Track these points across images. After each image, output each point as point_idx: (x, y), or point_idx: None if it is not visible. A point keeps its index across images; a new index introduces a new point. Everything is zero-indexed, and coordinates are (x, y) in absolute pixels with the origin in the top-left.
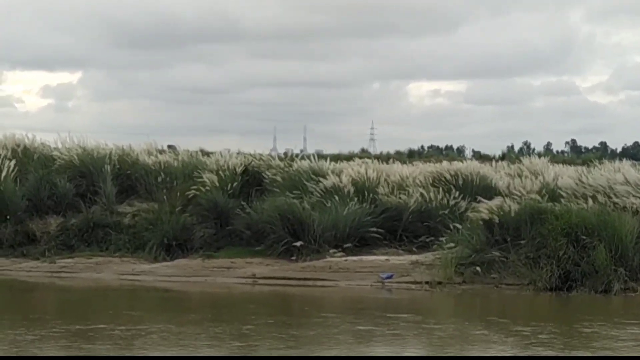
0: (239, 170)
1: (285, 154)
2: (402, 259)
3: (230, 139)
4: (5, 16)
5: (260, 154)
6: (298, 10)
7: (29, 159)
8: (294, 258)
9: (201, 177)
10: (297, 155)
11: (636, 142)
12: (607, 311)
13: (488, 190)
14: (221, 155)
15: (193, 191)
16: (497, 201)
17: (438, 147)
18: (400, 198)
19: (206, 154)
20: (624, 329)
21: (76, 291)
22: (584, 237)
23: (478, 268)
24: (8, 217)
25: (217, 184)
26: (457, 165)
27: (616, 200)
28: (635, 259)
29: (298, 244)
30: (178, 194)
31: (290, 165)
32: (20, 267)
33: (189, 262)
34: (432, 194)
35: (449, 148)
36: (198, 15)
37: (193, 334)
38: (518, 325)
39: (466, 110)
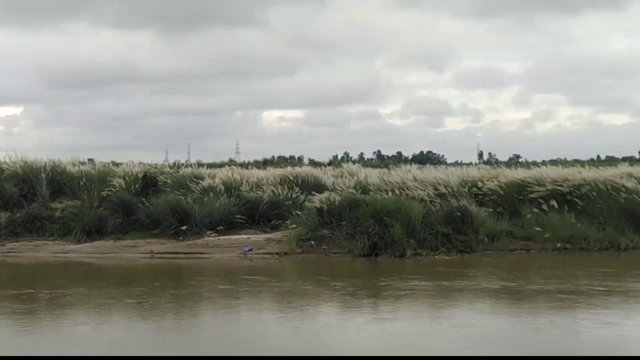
0: (140, 175)
1: (174, 163)
2: (259, 237)
3: (134, 154)
4: None
5: (156, 164)
6: (185, 59)
7: None
8: (181, 238)
9: (112, 181)
10: (182, 165)
11: (422, 152)
12: (400, 270)
13: (319, 187)
14: (127, 165)
15: (106, 191)
16: (325, 194)
17: (284, 157)
18: (257, 193)
19: (116, 164)
20: (407, 282)
21: (20, 266)
22: (386, 218)
23: (313, 242)
24: None
25: (124, 186)
26: (297, 169)
27: (407, 192)
28: (421, 233)
29: (184, 227)
30: (95, 193)
31: (177, 172)
32: None
33: (104, 243)
34: (279, 190)
35: (292, 157)
36: (112, 62)
37: (99, 294)
38: (335, 281)
39: (304, 130)
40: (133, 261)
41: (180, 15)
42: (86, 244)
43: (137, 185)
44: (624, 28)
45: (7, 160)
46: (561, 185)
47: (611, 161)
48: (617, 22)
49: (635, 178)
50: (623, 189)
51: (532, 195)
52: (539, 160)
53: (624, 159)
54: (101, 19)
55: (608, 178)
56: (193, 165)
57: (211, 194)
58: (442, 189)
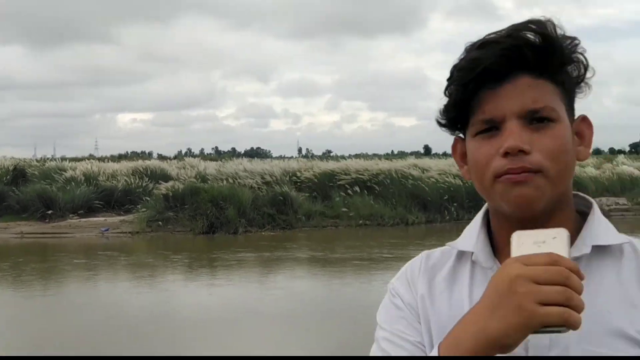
0: (10, 168)
1: (41, 158)
2: (114, 219)
3: (6, 150)
4: None
5: (25, 159)
6: (50, 70)
7: None
8: (47, 221)
9: None
10: (48, 159)
11: (252, 147)
12: (232, 244)
13: (166, 177)
14: None
15: None
16: (170, 183)
17: (137, 152)
18: (112, 182)
19: None
20: (238, 254)
21: None
22: (221, 202)
23: (160, 223)
24: None
25: None
26: (147, 162)
27: (239, 180)
28: (251, 214)
29: (49, 212)
30: None
31: (44, 165)
32: None
33: None
34: (132, 180)
35: (143, 152)
36: None
37: None
38: (177, 255)
39: (153, 130)
40: (5, 240)
41: (47, 33)
42: None
43: (8, 177)
44: (411, 49)
45: None
46: (362, 174)
47: (402, 155)
48: (405, 44)
49: (419, 168)
50: (410, 177)
51: (340, 182)
52: (346, 154)
53: (411, 153)
54: None
55: (398, 168)
56: (57, 160)
57: (73, 183)
58: (268, 178)
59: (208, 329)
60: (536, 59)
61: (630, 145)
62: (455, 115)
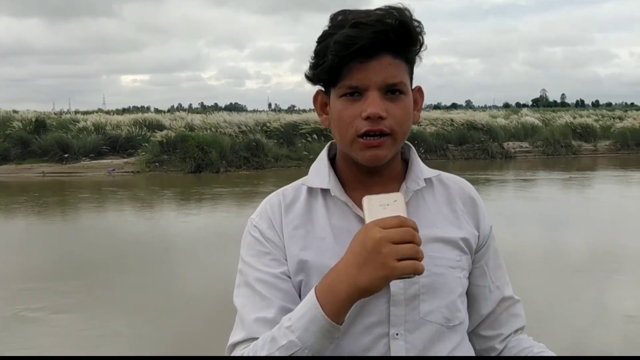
0: (33, 119)
1: (59, 112)
2: (119, 161)
3: (29, 104)
4: None
5: (45, 112)
6: (64, 39)
7: None
8: (64, 163)
9: (12, 123)
10: (65, 112)
11: (231, 103)
12: (215, 181)
13: (160, 127)
14: (23, 112)
15: (9, 130)
16: (164, 132)
17: (137, 106)
18: (117, 131)
19: (15, 112)
20: (218, 190)
21: None
22: (206, 147)
23: (157, 164)
24: None
25: (22, 126)
26: (145, 115)
27: (221, 130)
28: (230, 156)
29: (66, 155)
30: (1, 132)
31: (60, 117)
32: None
33: (8, 167)
34: (133, 129)
35: (142, 107)
36: (9, 41)
37: (1, 201)
38: (169, 190)
39: (150, 88)
40: (29, 178)
41: (61, 8)
42: None
43: (30, 126)
44: None
45: None
46: (320, 125)
47: None
48: None
49: None
50: None
51: (302, 131)
52: (307, 108)
53: None
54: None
55: None
56: (72, 113)
57: (85, 132)
58: (244, 128)
59: (189, 247)
60: (397, 42)
61: (532, 100)
62: (327, 78)
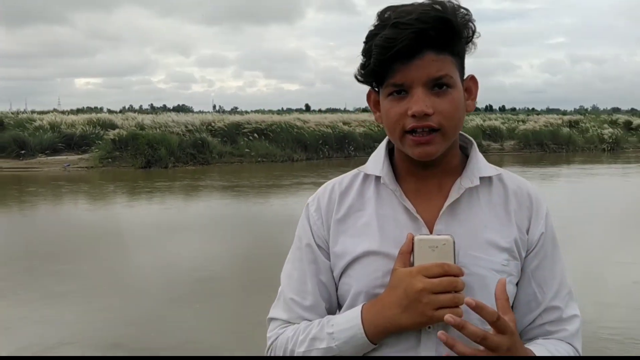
0: None
1: (16, 111)
2: (74, 157)
3: None
4: None
5: (2, 112)
6: (21, 44)
7: None
8: (21, 159)
9: None
10: (22, 112)
11: (179, 104)
12: (163, 176)
13: (113, 126)
14: None
15: None
16: (117, 130)
17: (91, 107)
18: (72, 130)
19: None
20: (164, 183)
21: None
22: (155, 145)
23: (109, 160)
24: None
25: None
26: (99, 115)
27: (169, 129)
28: (178, 153)
29: (23, 152)
30: None
31: (17, 116)
32: None
33: None
34: (87, 128)
35: (96, 108)
36: None
37: None
38: (120, 183)
39: (102, 91)
40: None
41: (16, 15)
42: None
43: None
44: (294, 34)
45: None
46: (260, 125)
47: (289, 111)
48: (290, 30)
49: (301, 120)
50: (295, 127)
51: (244, 130)
52: (249, 109)
53: (296, 110)
54: None
55: (286, 120)
56: (28, 113)
57: (41, 130)
58: (190, 127)
59: (136, 236)
60: (439, 38)
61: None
62: (373, 80)
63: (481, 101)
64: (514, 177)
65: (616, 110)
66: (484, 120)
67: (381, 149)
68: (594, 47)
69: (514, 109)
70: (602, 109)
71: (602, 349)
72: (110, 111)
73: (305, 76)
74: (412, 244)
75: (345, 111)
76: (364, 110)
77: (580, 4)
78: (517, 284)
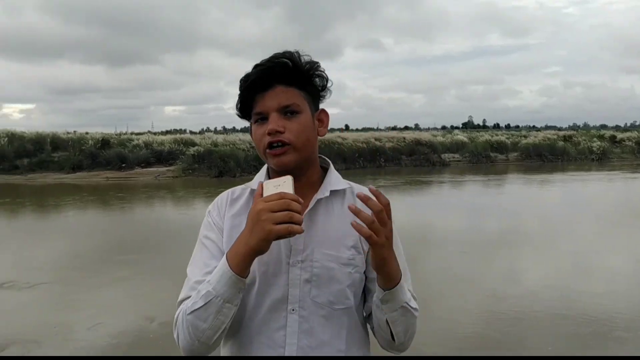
0: (100, 139)
1: (119, 133)
2: (163, 169)
3: (98, 128)
4: None
5: (109, 133)
6: (123, 80)
7: None
8: (123, 170)
9: (86, 142)
10: (123, 133)
11: (244, 126)
12: (231, 184)
13: (193, 144)
14: (94, 134)
15: (83, 147)
16: (196, 147)
17: (177, 129)
18: (161, 147)
19: (87, 133)
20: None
21: (35, 186)
22: (226, 158)
23: (190, 171)
24: None
25: (92, 143)
26: (182, 136)
27: (237, 146)
28: (244, 165)
29: (124, 165)
30: (76, 148)
31: (120, 137)
32: None
33: (82, 173)
34: (174, 146)
35: (181, 130)
36: (80, 79)
37: (79, 199)
38: (199, 189)
39: (185, 115)
40: (98, 182)
41: (118, 57)
42: (71, 175)
43: (98, 144)
44: (334, 69)
45: (27, 132)
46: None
47: (331, 130)
48: (331, 65)
49: (342, 137)
50: (336, 143)
51: None
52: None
53: (338, 129)
54: None
55: (331, 138)
56: (128, 134)
57: (137, 148)
58: (253, 144)
59: None
60: (285, 75)
61: (462, 124)
62: (243, 110)
63: (489, 120)
64: (361, 188)
65: (603, 126)
66: (492, 136)
67: (263, 169)
68: (583, 75)
69: (517, 126)
70: (591, 125)
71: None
72: (191, 132)
73: (345, 102)
74: (262, 188)
75: (377, 129)
76: (393, 128)
77: (572, 39)
78: (365, 273)
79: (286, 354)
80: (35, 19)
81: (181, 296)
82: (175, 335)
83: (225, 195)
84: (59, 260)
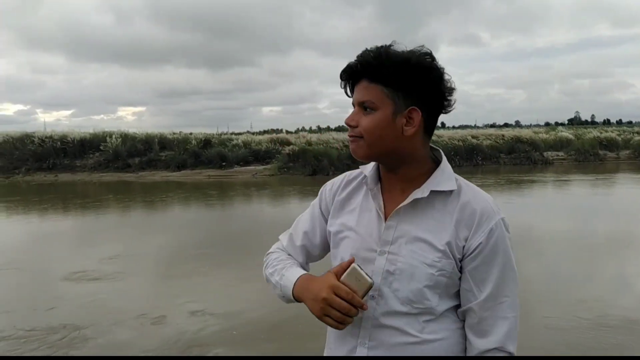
0: (202, 139)
1: (220, 133)
2: (260, 167)
3: (200, 128)
4: None
5: (210, 133)
6: (223, 83)
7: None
8: (223, 169)
9: (190, 141)
10: (224, 133)
11: (338, 125)
12: (324, 181)
13: (288, 143)
14: (196, 134)
15: (186, 147)
16: (291, 147)
17: (273, 129)
18: (258, 147)
19: (191, 134)
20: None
21: (145, 184)
22: (320, 157)
23: (285, 169)
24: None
25: (195, 143)
26: (278, 135)
27: (330, 145)
28: (337, 164)
29: (224, 163)
30: (181, 148)
31: (221, 137)
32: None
33: (186, 172)
34: (270, 145)
35: (277, 129)
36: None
37: (183, 194)
38: (294, 187)
39: (281, 115)
40: (200, 180)
41: (219, 60)
42: (176, 172)
43: (201, 144)
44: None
45: (138, 132)
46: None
47: None
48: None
49: (436, 135)
50: (431, 141)
51: None
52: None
53: None
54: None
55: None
56: (228, 134)
57: (237, 147)
58: (347, 143)
59: None
60: (367, 71)
61: (568, 120)
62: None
63: (599, 116)
64: (471, 193)
65: None
66: (601, 133)
67: None
68: None
69: (630, 122)
70: None
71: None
72: (287, 131)
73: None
74: (350, 264)
75: (475, 127)
76: (491, 126)
77: None
78: (459, 279)
79: (360, 335)
80: (144, 28)
81: (281, 237)
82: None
83: (342, 176)
84: (161, 251)
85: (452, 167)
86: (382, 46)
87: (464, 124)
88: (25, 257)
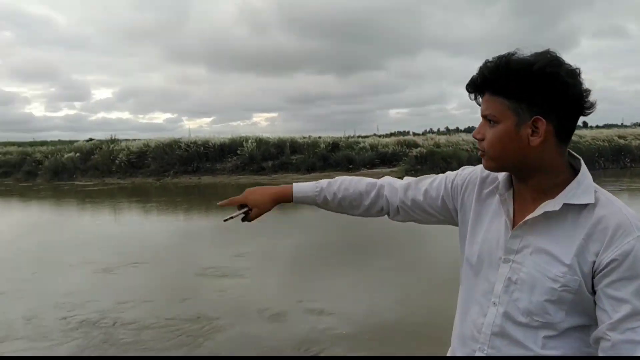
0: (330, 142)
1: (347, 136)
2: (386, 170)
3: (328, 132)
4: None
5: (338, 137)
6: (351, 87)
7: None
8: (350, 172)
9: (318, 145)
10: (351, 136)
11: (468, 126)
12: None
13: (416, 145)
14: (325, 138)
15: (316, 150)
16: (418, 149)
17: (400, 131)
18: (385, 149)
19: (319, 137)
20: None
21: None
22: (448, 159)
23: (413, 172)
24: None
25: (323, 146)
26: (405, 137)
27: (459, 146)
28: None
29: (350, 166)
30: (310, 151)
31: (348, 140)
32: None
33: (315, 174)
34: (396, 147)
35: (404, 132)
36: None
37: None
38: None
39: (409, 118)
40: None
41: (346, 65)
42: (307, 175)
43: (329, 147)
44: (568, 60)
45: (271, 137)
46: None
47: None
48: (566, 57)
49: (578, 135)
50: (572, 142)
51: None
52: None
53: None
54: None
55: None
56: (355, 137)
57: (363, 150)
58: (476, 145)
59: (429, 234)
60: (488, 83)
61: None
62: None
63: None
64: (607, 207)
65: None
66: None
67: None
68: None
69: None
70: None
71: None
72: (414, 134)
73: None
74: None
75: (621, 126)
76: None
77: None
78: (594, 297)
79: (480, 340)
80: (277, 37)
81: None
82: None
83: (479, 169)
84: (297, 250)
85: (596, 169)
86: (503, 56)
87: (609, 122)
88: (167, 252)
